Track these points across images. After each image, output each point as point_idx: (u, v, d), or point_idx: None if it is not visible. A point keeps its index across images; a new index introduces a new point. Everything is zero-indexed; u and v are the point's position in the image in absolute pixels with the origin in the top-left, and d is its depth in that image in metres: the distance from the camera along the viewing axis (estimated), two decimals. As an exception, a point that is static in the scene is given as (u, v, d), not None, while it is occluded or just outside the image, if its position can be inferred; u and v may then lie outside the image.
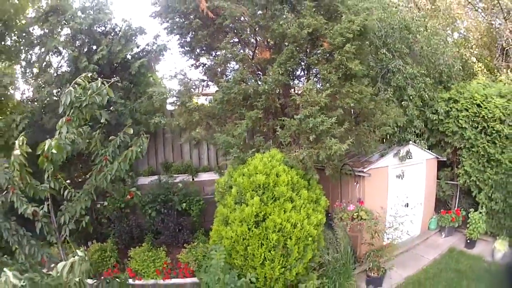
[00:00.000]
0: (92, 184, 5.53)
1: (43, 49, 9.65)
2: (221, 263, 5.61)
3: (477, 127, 9.06)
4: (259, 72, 7.66)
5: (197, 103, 7.78)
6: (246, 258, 5.90)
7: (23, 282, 3.99)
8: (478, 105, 9.04)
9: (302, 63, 7.44)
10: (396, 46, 8.26)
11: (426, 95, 8.72)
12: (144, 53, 9.94)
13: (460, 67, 10.29)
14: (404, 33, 8.74)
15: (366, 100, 6.60)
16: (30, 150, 4.99)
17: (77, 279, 4.15)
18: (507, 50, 12.06)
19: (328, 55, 6.80)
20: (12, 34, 9.81)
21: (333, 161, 6.58)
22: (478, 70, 12.43)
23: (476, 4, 12.99)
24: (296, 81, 7.35)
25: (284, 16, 6.67)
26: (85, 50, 9.20)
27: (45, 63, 9.96)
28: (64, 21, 9.37)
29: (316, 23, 6.46)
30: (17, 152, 4.86)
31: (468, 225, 9.01)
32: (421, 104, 8.95)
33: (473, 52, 13.01)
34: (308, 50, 7.26)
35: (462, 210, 9.62)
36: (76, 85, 5.01)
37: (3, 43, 9.52)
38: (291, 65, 6.69)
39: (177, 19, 7.95)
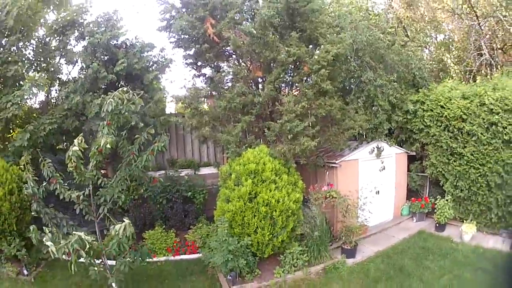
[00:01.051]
0: (127, 172, 8.29)
1: (61, 60, 12.59)
2: (225, 231, 9.04)
3: (441, 125, 12.25)
4: (253, 87, 11.32)
5: (205, 108, 11.38)
6: (243, 227, 9.32)
7: (93, 238, 6.80)
8: (442, 106, 12.15)
9: (287, 81, 11.15)
10: (367, 59, 11.71)
11: (394, 99, 12.08)
12: (151, 63, 12.97)
13: (430, 71, 13.78)
14: (374, 48, 12.18)
15: (335, 111, 10.12)
16: (86, 146, 7.40)
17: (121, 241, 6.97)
18: (482, 54, 14.86)
19: (307, 76, 10.39)
20: (30, 45, 12.54)
21: (307, 154, 10.19)
22: (454, 73, 15.52)
23: (456, 10, 15.62)
24: (283, 96, 10.78)
25: (274, 45, 10.17)
26: (104, 62, 11.81)
27: (68, 73, 12.89)
28: (81, 35, 12.27)
29: (300, 52, 9.95)
30: (75, 148, 7.20)
31: (435, 211, 12.14)
32: (390, 108, 12.18)
33: (451, 56, 16.28)
34: (292, 71, 11.01)
35: (432, 198, 12.94)
36: (115, 97, 7.50)
37: (23, 53, 12.33)
38: (278, 83, 10.34)
39: (183, 36, 11.48)
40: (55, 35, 12.57)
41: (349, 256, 10.37)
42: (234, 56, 11.93)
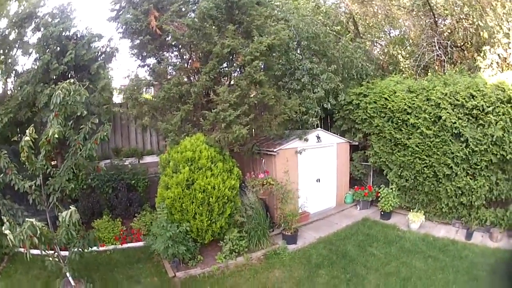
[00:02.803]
0: (72, 161, 8.69)
1: (18, 52, 12.91)
2: (164, 217, 9.65)
3: (385, 116, 13.02)
4: (192, 77, 12.03)
5: (145, 97, 12.01)
6: (182, 213, 9.84)
7: (43, 225, 7.10)
8: (386, 99, 12.92)
9: (223, 72, 11.82)
10: (307, 51, 12.65)
11: (328, 87, 12.95)
12: (99, 53, 13.46)
13: (377, 66, 14.76)
14: (317, 41, 13.09)
15: (267, 98, 10.84)
16: (36, 136, 7.62)
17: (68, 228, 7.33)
18: (434, 50, 15.73)
19: (241, 67, 11.10)
20: None
21: (241, 142, 10.88)
22: (405, 67, 16.43)
23: (413, 7, 16.48)
24: (218, 86, 11.10)
25: (211, 37, 10.86)
26: (56, 53, 12.18)
27: (22, 64, 13.17)
28: (36, 27, 12.64)
29: (234, 44, 10.58)
30: (27, 138, 7.42)
31: (379, 199, 12.79)
32: (324, 94, 12.99)
33: (402, 51, 17.23)
34: (227, 62, 11.72)
35: (376, 186, 13.71)
36: (63, 88, 7.82)
37: None
38: (213, 74, 10.98)
39: (130, 28, 11.98)
40: (15, 28, 12.95)
41: (290, 242, 10.90)
42: (175, 47, 12.58)
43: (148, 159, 14.76)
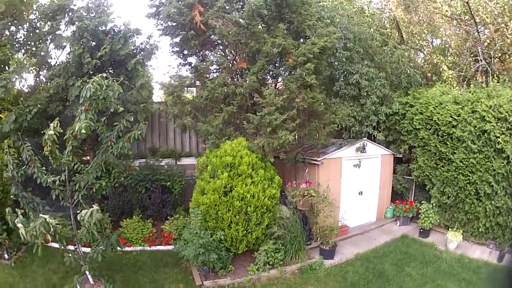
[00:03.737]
0: (102, 158, 8.06)
1: (51, 44, 12.08)
2: (198, 224, 8.66)
3: (430, 128, 11.75)
4: (237, 77, 10.81)
5: (188, 97, 10.91)
6: (217, 221, 8.92)
7: (57, 221, 6.57)
8: (432, 110, 11.66)
9: (271, 73, 10.62)
10: (356, 53, 11.22)
11: (381, 94, 11.42)
12: (138, 50, 12.52)
13: (421, 74, 13.45)
14: (366, 43, 11.71)
15: (317, 104, 9.60)
16: (61, 130, 7.09)
17: (89, 227, 6.84)
18: (479, 60, 14.31)
19: (291, 68, 9.82)
20: (21, 28, 12.04)
21: (286, 149, 9.69)
22: (448, 77, 15.07)
23: (454, 16, 15.17)
24: (265, 88, 9.92)
25: (260, 36, 9.67)
26: (88, 47, 11.29)
27: (55, 58, 12.43)
28: (70, 20, 11.79)
29: (285, 44, 9.45)
30: (51, 132, 6.91)
31: (419, 216, 11.59)
32: (378, 101, 11.47)
33: (445, 61, 15.84)
34: (276, 63, 10.48)
35: (417, 202, 12.39)
36: (94, 83, 7.17)
37: (14, 36, 11.90)
38: (261, 74, 9.80)
39: (171, 24, 10.91)
40: (46, 20, 12.12)
41: (327, 257, 9.89)
42: (220, 46, 11.42)
43: (185, 161, 13.72)
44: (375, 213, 13.06)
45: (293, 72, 9.78)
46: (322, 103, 9.88)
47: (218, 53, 11.27)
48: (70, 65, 11.37)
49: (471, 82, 14.88)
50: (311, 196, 10.10)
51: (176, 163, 13.24)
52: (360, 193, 12.27)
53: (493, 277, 8.44)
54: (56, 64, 12.29)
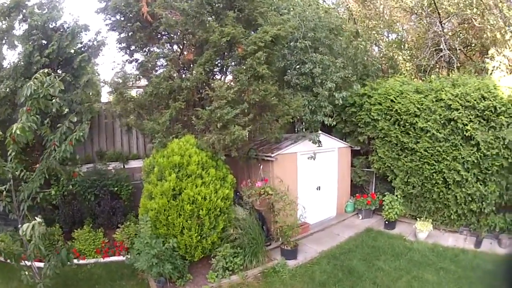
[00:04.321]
0: (44, 165, 7.03)
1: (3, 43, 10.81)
2: (148, 231, 7.54)
3: (390, 119, 11.26)
4: (184, 70, 9.68)
5: (131, 95, 9.74)
6: (168, 228, 7.82)
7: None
8: (392, 100, 11.16)
9: (220, 64, 9.52)
10: (307, 42, 10.12)
11: (338, 78, 10.25)
12: (86, 48, 11.41)
13: (379, 67, 12.74)
14: (323, 33, 10.73)
15: (270, 96, 8.64)
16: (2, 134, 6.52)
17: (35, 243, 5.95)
18: (439, 51, 14.09)
19: (241, 59, 8.82)
20: None
21: (239, 146, 8.61)
22: (405, 70, 14.60)
23: (416, 8, 14.82)
24: (213, 80, 9.06)
25: (208, 25, 8.63)
26: (38, 45, 10.32)
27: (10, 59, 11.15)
28: (24, 17, 10.58)
29: (235, 32, 8.45)
30: None
31: (383, 208, 10.93)
32: (335, 86, 10.29)
33: (402, 54, 15.35)
34: (225, 53, 9.36)
35: (379, 194, 11.81)
36: (35, 80, 6.39)
37: None
38: (209, 66, 8.74)
39: (119, 18, 9.74)
40: (2, 19, 10.84)
41: (290, 258, 8.97)
42: (167, 38, 10.21)
43: (133, 163, 12.44)
44: (335, 207, 12.23)
45: (243, 63, 8.79)
46: (274, 96, 8.93)
47: (165, 46, 9.95)
48: (19, 65, 10.35)
49: (431, 74, 14.47)
50: (268, 195, 9.13)
51: (123, 166, 12.00)
52: (318, 188, 11.41)
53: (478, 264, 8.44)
54: (7, 66, 11.16)
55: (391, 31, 16.90)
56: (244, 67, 8.51)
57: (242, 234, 8.47)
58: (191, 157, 8.05)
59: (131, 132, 10.93)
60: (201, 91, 9.15)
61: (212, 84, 8.26)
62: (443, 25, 14.31)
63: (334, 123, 10.68)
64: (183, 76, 9.26)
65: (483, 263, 8.47)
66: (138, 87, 10.75)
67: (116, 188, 10.84)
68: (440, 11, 13.90)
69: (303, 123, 10.51)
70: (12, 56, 11.78)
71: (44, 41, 10.57)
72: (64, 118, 8.24)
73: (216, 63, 9.24)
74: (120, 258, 9.17)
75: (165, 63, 9.55)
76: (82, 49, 11.39)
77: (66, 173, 8.55)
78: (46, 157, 7.20)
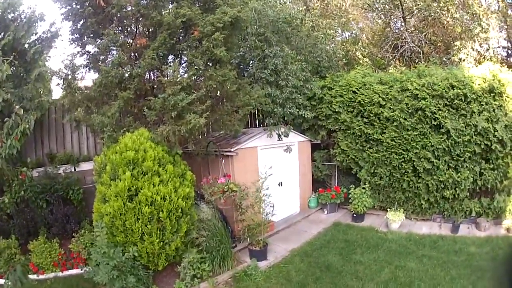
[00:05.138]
0: None
1: None
2: (104, 240, 6.21)
3: (353, 111, 10.52)
4: (136, 58, 8.29)
5: (79, 86, 8.28)
6: (127, 234, 6.50)
7: None
8: (355, 92, 10.45)
9: (174, 49, 8.17)
10: (268, 35, 9.15)
11: (303, 77, 9.60)
12: (40, 41, 9.93)
13: (341, 59, 11.90)
14: (283, 26, 9.78)
15: (229, 83, 7.55)
16: None
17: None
18: (400, 47, 13.73)
19: (197, 42, 7.66)
20: None
21: (196, 137, 7.52)
22: (364, 64, 13.88)
23: (373, 6, 14.53)
24: (166, 66, 7.97)
25: (163, 4, 7.53)
26: None
27: None
28: None
29: (191, 13, 7.35)
30: None
31: (351, 201, 10.15)
32: (300, 83, 9.63)
33: (360, 49, 14.79)
34: (180, 37, 8.14)
35: (343, 187, 11.00)
36: None
37: None
38: (162, 51, 7.51)
39: (74, 5, 8.30)
40: None
41: (260, 259, 7.85)
42: (118, 22, 8.60)
43: (85, 166, 10.75)
44: (298, 203, 11.24)
45: (199, 47, 7.58)
46: (234, 83, 7.79)
47: (116, 31, 8.42)
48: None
49: (389, 69, 14.42)
50: (232, 191, 7.92)
51: (74, 169, 10.34)
52: (280, 184, 10.33)
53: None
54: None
55: (345, 29, 16.23)
56: (200, 50, 7.35)
57: (208, 237, 7.25)
58: (146, 152, 6.77)
59: (80, 129, 9.44)
60: (153, 79, 7.92)
61: (165, 71, 7.08)
62: (406, 20, 14.08)
63: (309, 113, 9.84)
64: (135, 63, 7.94)
65: (466, 247, 8.09)
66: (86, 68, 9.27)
67: (66, 193, 9.33)
68: (403, 6, 13.64)
69: (272, 117, 9.37)
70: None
71: (1, 32, 9.23)
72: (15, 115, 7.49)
73: (170, 47, 7.88)
74: (79, 271, 7.79)
75: (116, 51, 8.17)
76: (36, 42, 9.87)
77: (12, 174, 7.92)
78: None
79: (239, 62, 9.84)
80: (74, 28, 8.80)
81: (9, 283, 5.99)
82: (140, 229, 6.45)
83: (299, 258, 8.00)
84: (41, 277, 7.63)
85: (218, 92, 8.15)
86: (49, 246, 8.03)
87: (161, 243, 6.58)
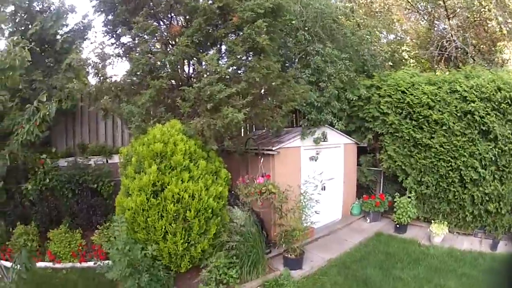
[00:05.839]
0: (9, 149, 6.25)
1: None
2: (123, 235, 5.58)
3: (401, 112, 9.46)
4: (170, 45, 7.63)
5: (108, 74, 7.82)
6: (148, 232, 5.82)
7: None
8: (403, 92, 9.42)
9: (212, 37, 7.36)
10: (316, 30, 8.43)
11: (346, 77, 8.81)
12: (72, 32, 9.84)
13: (386, 60, 10.98)
14: (327, 21, 8.98)
15: (273, 76, 6.74)
16: None
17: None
18: (445, 48, 12.83)
19: (237, 29, 6.90)
20: None
21: (233, 133, 6.72)
22: (410, 66, 13.08)
23: (416, 5, 13.73)
24: (203, 54, 7.18)
25: None
26: (22, 27, 9.11)
27: None
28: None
29: None
30: None
31: (395, 210, 9.15)
32: (341, 85, 9.00)
33: (406, 50, 13.91)
34: (218, 24, 7.31)
35: (388, 195, 9.93)
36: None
37: None
38: (198, 37, 6.73)
39: None
40: None
41: (294, 268, 7.01)
42: (152, 10, 7.93)
43: (117, 158, 10.02)
44: (341, 210, 10.20)
45: (239, 35, 6.81)
46: (278, 77, 6.95)
47: (149, 18, 7.77)
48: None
49: (437, 68, 13.56)
50: (271, 193, 7.06)
51: (107, 161, 9.91)
52: (323, 188, 9.31)
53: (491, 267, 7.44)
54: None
55: (390, 31, 15.34)
56: (241, 37, 6.55)
57: (240, 242, 6.45)
58: (176, 145, 6.02)
59: (109, 119, 9.01)
60: (188, 68, 7.19)
61: (202, 58, 6.30)
62: (450, 18, 13.12)
63: (341, 123, 9.11)
64: (168, 52, 7.20)
65: (498, 266, 7.47)
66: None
67: (96, 185, 8.90)
68: (446, 6, 12.72)
69: (308, 120, 8.60)
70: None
71: (28, 23, 9.17)
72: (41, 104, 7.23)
73: (206, 33, 7.06)
74: (100, 263, 6.94)
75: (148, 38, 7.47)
76: (68, 33, 9.77)
77: (30, 159, 7.73)
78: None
79: (284, 60, 9.07)
80: (106, 20, 8.29)
81: (17, 267, 5.32)
82: (164, 227, 5.77)
83: (336, 270, 7.24)
84: (57, 265, 7.39)
85: (262, 88, 7.41)
86: (70, 236, 7.76)
87: (186, 244, 5.85)
